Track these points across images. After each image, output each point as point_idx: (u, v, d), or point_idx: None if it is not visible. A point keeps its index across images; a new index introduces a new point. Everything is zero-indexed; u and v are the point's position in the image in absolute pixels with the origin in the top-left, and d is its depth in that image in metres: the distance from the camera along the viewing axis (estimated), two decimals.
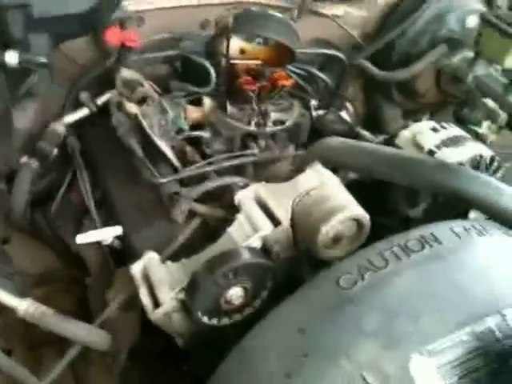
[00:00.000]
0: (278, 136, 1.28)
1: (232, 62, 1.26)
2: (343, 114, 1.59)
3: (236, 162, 1.18)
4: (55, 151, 1.28)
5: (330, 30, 1.61)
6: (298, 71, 1.56)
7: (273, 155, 1.22)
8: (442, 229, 0.87)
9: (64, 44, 1.30)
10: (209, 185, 1.10)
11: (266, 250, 0.97)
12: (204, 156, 1.25)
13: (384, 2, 1.58)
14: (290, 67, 1.55)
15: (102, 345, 1.05)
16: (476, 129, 1.54)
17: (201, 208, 1.12)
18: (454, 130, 1.17)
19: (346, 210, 0.93)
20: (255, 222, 0.99)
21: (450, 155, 1.09)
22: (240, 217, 1.02)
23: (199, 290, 0.89)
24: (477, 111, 1.54)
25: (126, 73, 1.27)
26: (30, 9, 1.08)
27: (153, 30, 1.44)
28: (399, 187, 1.13)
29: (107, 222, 1.21)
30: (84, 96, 1.38)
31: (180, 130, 1.24)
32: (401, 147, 1.18)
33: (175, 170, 1.19)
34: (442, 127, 1.17)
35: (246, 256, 0.91)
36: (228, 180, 1.11)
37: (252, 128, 1.23)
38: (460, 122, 1.59)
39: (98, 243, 1.15)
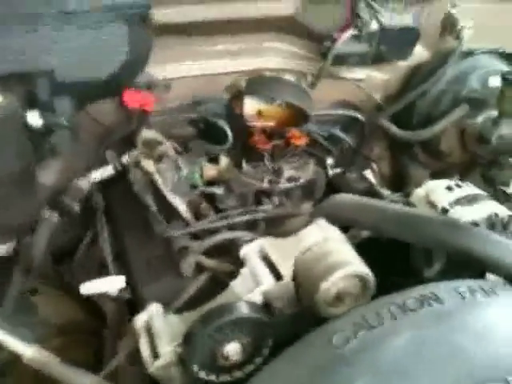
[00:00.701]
0: (291, 193, 1.29)
1: (248, 123, 1.29)
2: (367, 173, 1.58)
3: (247, 217, 1.18)
4: (77, 206, 1.32)
5: (352, 92, 1.63)
6: (319, 131, 1.61)
7: (285, 211, 1.22)
8: (444, 288, 0.83)
9: (90, 106, 1.38)
10: (215, 239, 1.11)
11: (266, 305, 0.96)
12: (218, 211, 1.27)
13: (406, 64, 1.59)
14: (312, 127, 1.61)
15: None
16: (505, 189, 1.50)
17: (209, 262, 1.12)
18: (470, 189, 1.14)
19: (346, 266, 0.91)
20: (258, 277, 0.99)
21: (464, 214, 1.06)
22: (244, 271, 1.02)
23: (194, 343, 0.88)
24: (505, 171, 1.51)
25: (147, 133, 1.32)
26: (54, 74, 1.16)
27: (179, 95, 1.51)
28: (416, 246, 1.10)
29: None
30: (109, 154, 1.43)
31: (195, 186, 1.26)
32: (414, 205, 1.15)
33: (187, 225, 1.20)
34: (458, 186, 1.14)
35: (241, 310, 0.90)
36: (234, 234, 1.12)
37: (265, 185, 1.24)
38: (488, 182, 1.56)
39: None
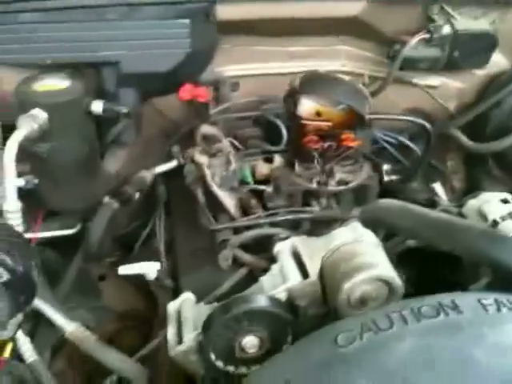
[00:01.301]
0: (341, 196, 1.26)
1: (302, 122, 1.28)
2: (436, 186, 1.51)
3: (290, 216, 1.18)
4: (137, 195, 1.39)
5: (425, 100, 1.58)
6: (385, 138, 1.57)
7: (332, 214, 1.20)
8: (466, 298, 0.78)
9: (158, 100, 1.44)
10: (250, 234, 1.12)
11: (290, 302, 0.95)
12: (268, 210, 1.27)
13: (483, 73, 1.51)
14: (378, 133, 1.57)
15: (133, 376, 1.08)
16: None
17: (246, 257, 1.13)
18: None
19: (371, 269, 0.89)
20: (285, 273, 0.98)
21: None
22: (274, 267, 1.02)
23: (210, 331, 0.90)
24: None
25: (206, 128, 1.36)
26: (120, 65, 1.23)
27: (244, 93, 1.55)
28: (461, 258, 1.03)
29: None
30: (175, 149, 1.49)
31: (246, 183, 1.28)
32: (465, 216, 1.09)
33: (232, 220, 1.22)
34: None
35: (258, 302, 0.90)
36: (269, 231, 1.12)
37: (313, 186, 1.22)
38: None
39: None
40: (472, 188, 1.65)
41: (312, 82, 1.23)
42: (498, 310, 0.76)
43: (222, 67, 1.55)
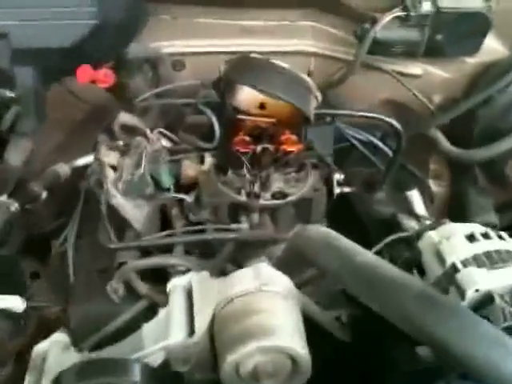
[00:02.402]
0: (278, 212, 1.01)
1: (238, 116, 1.03)
2: (413, 194, 1.25)
3: (203, 237, 0.94)
4: (45, 194, 1.16)
5: (403, 90, 1.30)
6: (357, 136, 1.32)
7: (261, 235, 0.96)
8: None
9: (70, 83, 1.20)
10: (145, 262, 0.88)
11: (167, 366, 0.72)
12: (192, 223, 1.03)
13: (474, 61, 1.23)
14: (348, 131, 1.32)
15: None
16: None
17: (142, 288, 0.90)
18: (504, 244, 0.80)
19: (266, 336, 0.65)
20: (169, 325, 0.75)
21: (478, 279, 0.74)
22: (162, 312, 0.79)
23: None
24: None
25: (124, 117, 1.12)
26: (10, 38, 0.99)
27: (193, 75, 1.30)
28: None
29: None
30: (102, 139, 1.25)
31: (167, 189, 1.04)
32: (420, 253, 0.84)
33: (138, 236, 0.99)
34: (485, 236, 0.81)
35: (118, 373, 0.67)
36: (165, 261, 0.88)
37: (241, 198, 0.98)
38: None
39: None
40: (456, 198, 1.38)
41: (245, 69, 0.98)
42: None
43: (161, 42, 1.30)
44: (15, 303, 0.88)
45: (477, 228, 0.83)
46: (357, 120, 1.29)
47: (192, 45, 1.31)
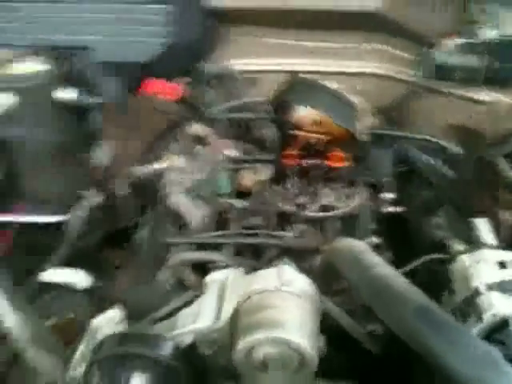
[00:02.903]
0: (325, 224, 1.07)
1: (292, 132, 1.11)
2: (480, 222, 1.25)
3: (249, 240, 1.02)
4: (123, 191, 1.30)
5: (478, 117, 1.31)
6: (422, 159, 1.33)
7: (301, 244, 1.02)
8: None
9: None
10: (189, 256, 0.98)
11: (194, 348, 0.80)
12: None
13: None
14: (412, 152, 1.34)
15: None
16: None
17: (190, 278, 1.00)
18: None
19: (273, 328, 0.71)
20: (200, 312, 0.83)
21: (497, 303, 0.75)
22: (198, 301, 0.87)
23: (97, 359, 0.78)
24: None
25: (195, 127, 1.24)
26: (93, 52, 1.14)
27: (261, 92, 1.39)
28: None
29: None
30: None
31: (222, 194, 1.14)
32: (451, 274, 0.87)
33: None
34: None
35: (143, 346, 0.76)
36: (208, 256, 0.97)
37: (289, 208, 1.05)
38: None
39: None
40: None
41: (297, 89, 1.05)
42: None
43: (232, 60, 1.41)
44: (80, 279, 1.00)
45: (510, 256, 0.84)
46: (420, 144, 1.30)
47: (259, 63, 1.41)
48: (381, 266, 0.77)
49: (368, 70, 1.34)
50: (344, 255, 0.83)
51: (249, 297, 0.77)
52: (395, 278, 0.74)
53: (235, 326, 0.77)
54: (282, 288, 0.77)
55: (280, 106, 1.07)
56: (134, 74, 1.17)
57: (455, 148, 1.12)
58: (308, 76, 1.21)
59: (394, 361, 0.88)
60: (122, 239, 1.45)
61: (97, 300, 1.16)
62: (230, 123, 1.32)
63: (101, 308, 1.10)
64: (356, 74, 1.37)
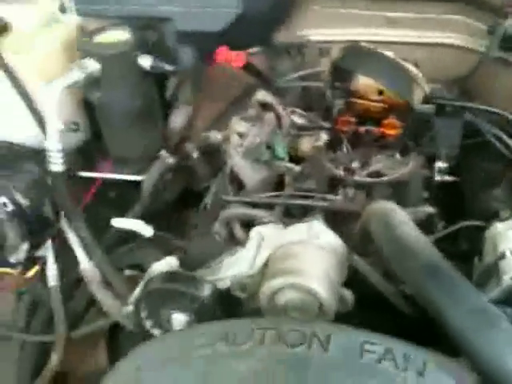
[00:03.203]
0: (374, 190, 1.10)
1: (351, 100, 1.14)
2: None
3: (297, 202, 1.08)
4: (196, 154, 1.40)
5: None
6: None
7: (344, 207, 1.06)
8: (348, 337, 0.64)
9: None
10: (232, 212, 1.05)
11: (230, 292, 0.89)
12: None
13: None
14: (484, 126, 1.31)
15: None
16: None
17: (239, 234, 1.08)
18: None
19: (293, 275, 0.77)
20: (239, 260, 0.92)
21: None
22: (239, 252, 0.96)
23: (145, 290, 0.89)
24: None
25: (261, 95, 1.30)
26: (174, 22, 1.24)
27: None
28: None
29: None
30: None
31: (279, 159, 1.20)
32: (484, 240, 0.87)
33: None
34: None
35: (186, 284, 0.86)
36: (251, 212, 1.04)
37: (339, 172, 1.09)
38: None
39: None
40: None
41: (354, 57, 1.08)
42: (379, 361, 0.61)
43: (309, 30, 1.45)
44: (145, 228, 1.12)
45: None
46: (491, 117, 1.28)
47: (338, 33, 1.43)
48: (405, 226, 0.80)
49: (446, 41, 1.32)
50: (376, 216, 0.86)
51: (281, 246, 0.84)
52: (416, 237, 0.77)
53: (265, 272, 0.84)
54: (309, 240, 0.83)
55: (339, 73, 1.11)
56: (209, 44, 1.25)
57: None
58: (383, 47, 1.22)
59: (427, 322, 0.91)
60: (197, 201, 1.57)
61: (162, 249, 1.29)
62: (302, 92, 1.37)
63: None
64: (433, 45, 1.36)
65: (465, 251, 1.01)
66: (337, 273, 0.82)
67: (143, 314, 0.89)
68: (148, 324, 0.90)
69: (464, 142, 1.25)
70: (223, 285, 0.89)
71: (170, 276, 0.90)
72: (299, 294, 0.78)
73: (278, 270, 0.80)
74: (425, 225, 1.10)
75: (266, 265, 0.86)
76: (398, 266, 0.75)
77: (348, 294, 0.85)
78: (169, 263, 1.04)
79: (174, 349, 0.69)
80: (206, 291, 0.87)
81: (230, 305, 0.87)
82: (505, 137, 1.25)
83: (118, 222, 1.13)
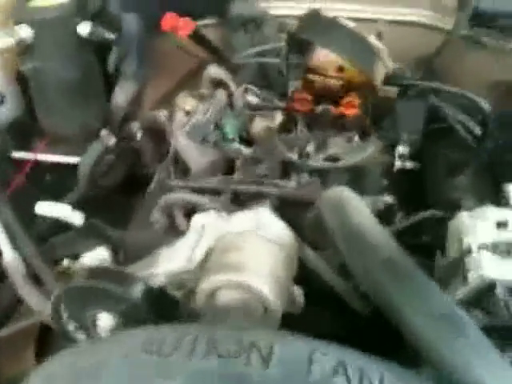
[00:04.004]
0: (330, 176, 1.00)
1: (307, 76, 1.04)
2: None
3: (245, 188, 0.97)
4: (140, 134, 1.28)
5: None
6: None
7: (301, 194, 0.97)
8: (296, 346, 0.54)
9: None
10: (174, 197, 0.94)
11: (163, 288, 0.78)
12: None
13: None
14: (448, 109, 1.23)
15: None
16: None
17: (181, 222, 0.97)
18: None
19: (233, 272, 0.67)
20: (176, 253, 0.81)
21: (486, 264, 0.68)
22: (178, 243, 0.85)
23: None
24: None
25: (213, 70, 1.19)
26: None
27: None
28: None
29: None
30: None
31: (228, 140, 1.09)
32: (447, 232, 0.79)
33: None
34: None
35: (109, 283, 0.74)
36: (192, 198, 0.93)
37: (292, 156, 0.99)
38: None
39: None
40: None
41: (313, 27, 0.97)
42: (330, 377, 0.51)
43: (268, 3, 1.34)
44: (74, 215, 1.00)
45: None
46: (456, 100, 1.20)
47: (300, 7, 1.32)
48: (362, 216, 0.71)
49: (412, 18, 1.23)
50: (330, 203, 0.77)
51: (223, 236, 0.74)
52: (374, 228, 0.68)
53: (204, 265, 0.74)
54: (256, 231, 0.73)
55: (297, 46, 1.00)
56: (155, 10, 1.12)
57: (483, 103, 1.01)
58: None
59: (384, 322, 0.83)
60: (144, 186, 1.45)
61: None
62: (259, 70, 1.27)
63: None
64: (396, 22, 1.28)
65: (427, 244, 0.93)
66: (286, 269, 0.72)
67: (64, 315, 0.78)
68: (70, 327, 0.79)
69: (428, 127, 1.17)
70: (157, 281, 0.79)
71: (94, 272, 0.79)
72: (242, 293, 0.68)
73: (219, 265, 0.70)
74: (384, 215, 1.04)
75: (206, 258, 0.76)
76: (352, 260, 0.66)
77: (299, 294, 0.75)
78: (99, 256, 0.93)
79: (89, 361, 0.58)
80: (136, 290, 0.75)
81: (164, 305, 0.77)
82: (471, 123, 1.18)
83: (42, 208, 0.99)
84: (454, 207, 1.01)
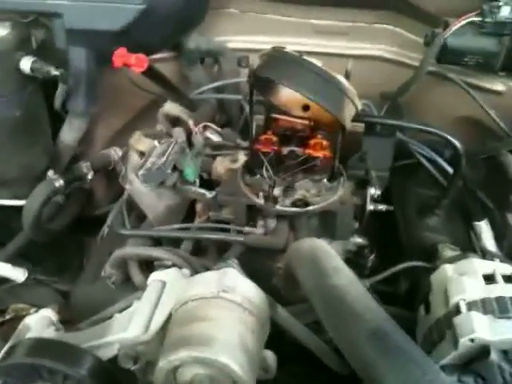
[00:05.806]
0: (299, 221, 0.93)
1: (273, 116, 0.98)
2: (482, 225, 1.10)
3: (207, 236, 0.89)
4: (91, 175, 1.18)
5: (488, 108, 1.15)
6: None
7: (268, 242, 0.89)
8: None
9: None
10: (130, 251, 0.86)
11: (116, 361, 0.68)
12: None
13: None
14: (417, 147, 1.19)
15: None
16: None
17: (137, 278, 0.87)
18: None
19: (202, 347, 0.59)
20: (132, 319, 0.71)
21: (477, 326, 0.61)
22: (134, 305, 0.75)
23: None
24: None
25: (167, 107, 1.11)
26: (63, 19, 1.03)
27: None
28: None
29: None
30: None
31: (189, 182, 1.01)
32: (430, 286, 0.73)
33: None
34: (509, 279, 0.67)
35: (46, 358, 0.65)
36: (152, 252, 0.84)
37: (258, 201, 0.92)
38: None
39: None
40: None
41: (277, 65, 0.90)
42: None
43: (227, 36, 1.28)
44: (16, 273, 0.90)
45: (503, 268, 0.70)
46: (424, 136, 1.16)
47: (259, 41, 1.27)
48: (341, 274, 0.63)
49: (377, 53, 1.20)
50: (303, 257, 0.70)
51: (185, 302, 0.65)
52: (355, 291, 0.61)
53: (165, 336, 0.65)
54: (221, 295, 0.65)
55: (259, 84, 0.93)
56: (106, 45, 1.04)
57: (454, 140, 0.97)
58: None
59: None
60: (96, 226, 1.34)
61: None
62: (218, 106, 1.20)
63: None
64: (362, 57, 1.24)
65: (405, 292, 0.87)
66: (256, 337, 0.64)
67: None
68: None
69: (396, 163, 1.13)
70: (109, 353, 0.69)
71: (36, 346, 0.68)
72: (207, 369, 0.59)
73: (181, 338, 0.61)
74: (355, 257, 0.97)
75: (164, 327, 0.67)
76: (333, 329, 0.58)
77: (271, 359, 0.67)
78: (44, 318, 0.82)
79: None
80: (84, 367, 0.66)
81: (116, 381, 0.67)
82: (439, 160, 1.14)
83: None
84: (431, 252, 0.97)
